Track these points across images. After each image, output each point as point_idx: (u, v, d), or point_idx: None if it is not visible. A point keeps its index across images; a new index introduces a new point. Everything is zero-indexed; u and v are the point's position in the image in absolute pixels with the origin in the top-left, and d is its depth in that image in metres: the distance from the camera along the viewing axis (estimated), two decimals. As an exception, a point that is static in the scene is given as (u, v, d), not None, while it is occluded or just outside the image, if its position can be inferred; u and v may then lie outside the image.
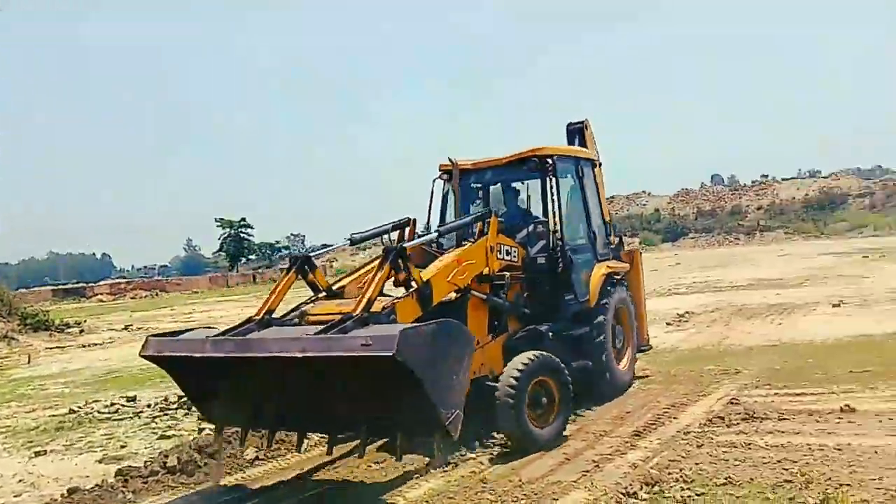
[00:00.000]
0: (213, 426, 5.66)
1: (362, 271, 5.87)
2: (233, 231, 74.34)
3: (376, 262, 5.32)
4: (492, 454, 5.54)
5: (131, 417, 8.02)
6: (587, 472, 4.95)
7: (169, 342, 5.12)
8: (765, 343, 9.64)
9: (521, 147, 7.04)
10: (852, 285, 16.34)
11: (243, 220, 75.06)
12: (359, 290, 5.15)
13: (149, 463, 5.56)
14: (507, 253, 6.35)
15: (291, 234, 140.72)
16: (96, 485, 5.35)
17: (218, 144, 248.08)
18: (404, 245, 5.45)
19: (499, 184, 7.61)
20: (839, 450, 4.89)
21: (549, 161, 6.87)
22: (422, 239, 6.24)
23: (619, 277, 7.70)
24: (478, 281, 6.04)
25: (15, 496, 5.53)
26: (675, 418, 6.16)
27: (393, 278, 5.17)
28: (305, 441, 5.53)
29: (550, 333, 6.43)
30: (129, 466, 5.58)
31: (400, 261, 5.13)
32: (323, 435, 5.77)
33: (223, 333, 4.94)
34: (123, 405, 8.62)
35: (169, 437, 7.00)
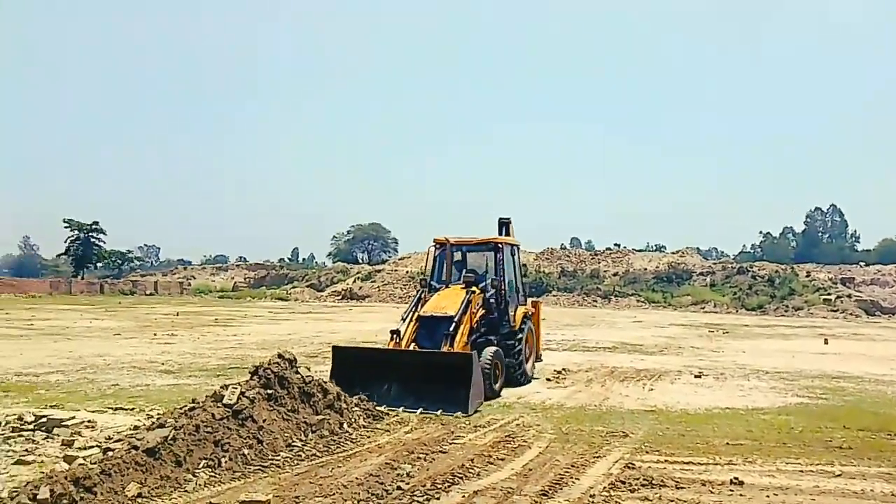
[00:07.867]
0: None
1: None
2: (82, 235, 69.16)
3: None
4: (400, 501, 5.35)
5: (-23, 436, 7.06)
6: (504, 531, 4.87)
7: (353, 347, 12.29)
8: (643, 408, 10.05)
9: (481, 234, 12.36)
10: (705, 358, 17.55)
11: (96, 223, 70.05)
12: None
13: (14, 494, 4.83)
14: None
15: (144, 245, 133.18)
16: (-54, 518, 4.61)
17: (70, 134, 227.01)
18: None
19: (470, 253, 12.52)
20: (740, 523, 5.12)
21: (500, 245, 11.79)
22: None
23: (529, 315, 12.45)
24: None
25: None
26: (576, 479, 6.21)
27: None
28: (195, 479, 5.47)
29: (496, 340, 10.99)
30: (-10, 498, 4.84)
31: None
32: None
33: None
34: (-34, 421, 7.57)
35: (28, 462, 6.20)
